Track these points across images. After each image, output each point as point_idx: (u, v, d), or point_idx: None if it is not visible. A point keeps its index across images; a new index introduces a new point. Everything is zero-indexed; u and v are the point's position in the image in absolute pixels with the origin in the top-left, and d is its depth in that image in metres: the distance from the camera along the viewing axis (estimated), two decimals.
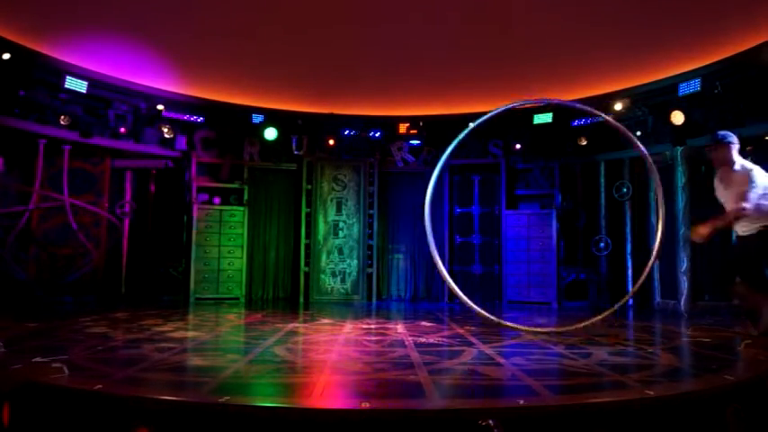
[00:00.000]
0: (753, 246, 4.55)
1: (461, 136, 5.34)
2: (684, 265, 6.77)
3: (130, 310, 6.51)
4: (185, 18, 6.34)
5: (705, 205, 6.88)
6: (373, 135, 9.40)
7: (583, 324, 4.80)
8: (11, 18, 6.40)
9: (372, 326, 5.34)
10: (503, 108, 5.29)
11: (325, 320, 5.85)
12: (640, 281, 4.89)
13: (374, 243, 9.30)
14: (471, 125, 5.30)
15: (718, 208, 4.93)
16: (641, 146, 5.00)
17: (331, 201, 9.28)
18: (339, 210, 9.28)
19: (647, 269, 4.87)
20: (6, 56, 6.67)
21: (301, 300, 8.93)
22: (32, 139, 7.42)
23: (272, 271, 9.44)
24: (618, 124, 5.26)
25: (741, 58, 6.80)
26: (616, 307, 4.82)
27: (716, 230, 4.62)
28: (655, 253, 4.79)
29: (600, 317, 4.89)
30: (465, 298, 5.10)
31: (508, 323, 5.17)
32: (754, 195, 4.43)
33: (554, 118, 8.79)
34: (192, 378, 2.97)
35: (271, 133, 8.96)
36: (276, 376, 2.99)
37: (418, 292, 9.59)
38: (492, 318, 5.10)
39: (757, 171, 4.55)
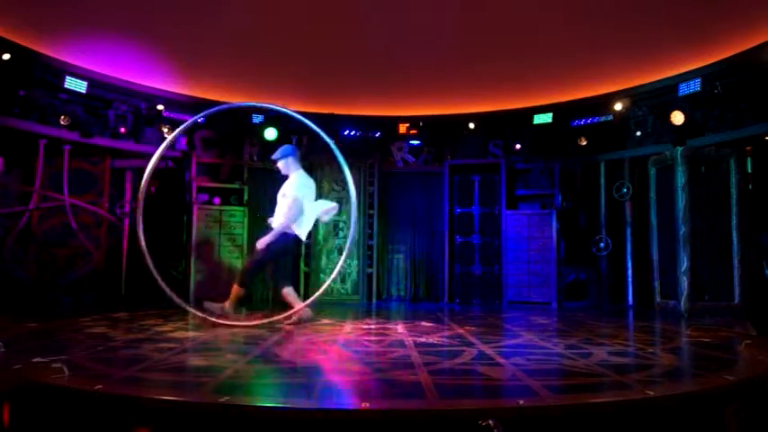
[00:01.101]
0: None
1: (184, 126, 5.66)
2: (684, 265, 6.77)
3: (130, 310, 6.51)
4: (185, 18, 6.35)
5: (705, 205, 6.91)
6: (373, 135, 9.40)
7: (288, 313, 5.16)
8: (11, 18, 6.40)
9: (372, 326, 5.34)
10: (225, 107, 5.82)
11: (326, 321, 5.85)
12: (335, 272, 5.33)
13: (374, 243, 9.29)
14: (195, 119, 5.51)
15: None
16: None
17: (331, 201, 9.26)
18: (339, 210, 9.26)
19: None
20: (6, 56, 6.67)
21: (301, 300, 8.92)
22: (32, 139, 7.42)
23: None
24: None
25: (741, 59, 6.81)
26: (310, 301, 5.23)
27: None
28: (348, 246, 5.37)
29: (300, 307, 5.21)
30: (169, 291, 5.01)
31: (222, 321, 5.12)
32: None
33: (554, 118, 8.81)
34: (192, 378, 2.97)
35: (271, 133, 8.96)
36: (276, 376, 2.99)
37: (418, 293, 9.59)
38: (201, 314, 5.11)
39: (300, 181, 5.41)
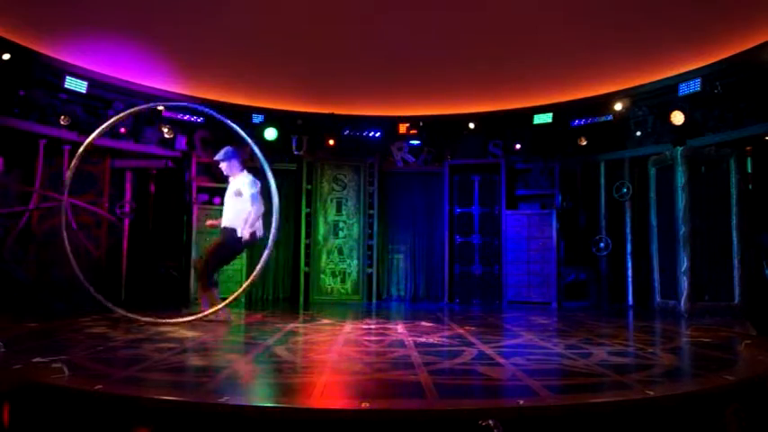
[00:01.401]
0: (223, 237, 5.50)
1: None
2: (684, 265, 6.77)
3: (131, 310, 6.50)
4: (185, 18, 6.35)
5: (705, 205, 6.91)
6: (373, 135, 9.41)
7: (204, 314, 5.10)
8: (11, 18, 6.40)
9: (372, 326, 5.34)
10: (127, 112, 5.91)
11: (326, 321, 5.85)
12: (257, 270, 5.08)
13: (374, 243, 9.30)
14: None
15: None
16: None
17: (331, 201, 9.28)
18: (339, 210, 9.28)
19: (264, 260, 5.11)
20: (6, 56, 6.67)
21: (301, 300, 8.93)
22: (32, 139, 7.41)
23: (272, 271, 9.44)
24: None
25: (741, 59, 6.81)
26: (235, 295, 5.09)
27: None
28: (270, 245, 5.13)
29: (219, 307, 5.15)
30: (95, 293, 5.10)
31: (129, 314, 5.12)
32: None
33: (554, 118, 8.81)
34: (192, 378, 2.97)
35: (271, 133, 8.97)
36: (276, 376, 2.99)
37: (418, 293, 9.59)
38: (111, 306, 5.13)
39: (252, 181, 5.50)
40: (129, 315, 5.10)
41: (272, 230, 5.19)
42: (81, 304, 7.38)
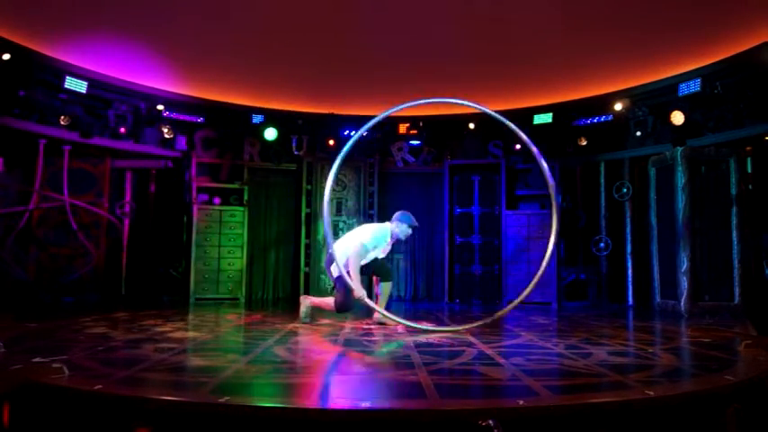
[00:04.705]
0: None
1: None
2: (684, 266, 6.77)
3: (130, 310, 6.51)
4: (185, 18, 6.35)
5: (705, 205, 6.91)
6: (373, 135, 9.40)
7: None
8: (11, 18, 6.40)
9: (372, 326, 5.34)
10: None
11: (326, 321, 5.85)
12: None
13: None
14: None
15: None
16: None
17: (331, 201, 9.27)
18: (339, 210, 9.27)
19: None
20: (6, 56, 6.67)
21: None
22: (32, 139, 7.42)
23: (272, 271, 9.44)
24: None
25: (741, 59, 6.81)
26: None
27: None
28: None
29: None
30: None
31: None
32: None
33: (554, 118, 8.80)
34: (192, 378, 2.97)
35: (271, 133, 8.96)
36: (276, 376, 2.99)
37: (418, 293, 9.59)
38: None
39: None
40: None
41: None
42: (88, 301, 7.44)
